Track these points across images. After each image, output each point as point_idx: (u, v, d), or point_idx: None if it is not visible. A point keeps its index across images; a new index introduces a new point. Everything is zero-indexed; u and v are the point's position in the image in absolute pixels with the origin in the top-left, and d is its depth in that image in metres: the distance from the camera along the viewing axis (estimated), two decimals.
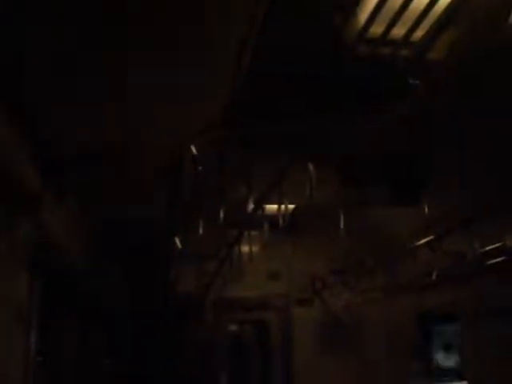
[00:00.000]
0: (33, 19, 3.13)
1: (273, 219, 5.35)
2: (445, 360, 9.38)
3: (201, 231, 6.09)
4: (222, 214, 5.58)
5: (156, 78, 3.85)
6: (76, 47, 3.39)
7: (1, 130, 3.80)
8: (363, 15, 3.45)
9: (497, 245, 6.38)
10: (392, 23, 3.43)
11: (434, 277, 6.99)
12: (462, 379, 8.57)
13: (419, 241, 6.93)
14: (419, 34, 3.60)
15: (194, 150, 4.76)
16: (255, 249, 6.96)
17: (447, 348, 9.30)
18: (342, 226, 5.75)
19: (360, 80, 4.06)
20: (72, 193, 5.85)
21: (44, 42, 3.33)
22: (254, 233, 6.43)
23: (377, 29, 3.55)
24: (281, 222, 5.09)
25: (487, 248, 6.41)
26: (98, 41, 3.36)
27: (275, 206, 5.12)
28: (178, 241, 6.99)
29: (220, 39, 3.46)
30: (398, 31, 3.58)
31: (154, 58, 3.62)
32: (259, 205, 5.36)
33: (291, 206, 6.85)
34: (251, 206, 5.47)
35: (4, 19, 3.06)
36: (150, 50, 3.52)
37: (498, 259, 6.51)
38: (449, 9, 3.31)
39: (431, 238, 6.67)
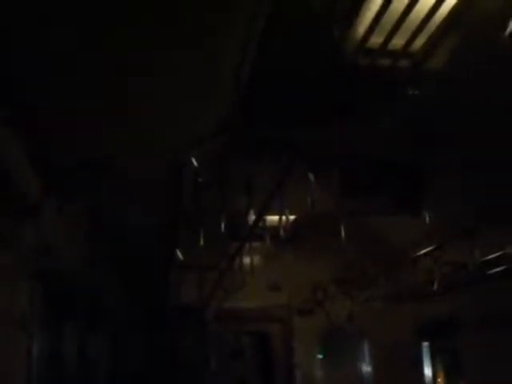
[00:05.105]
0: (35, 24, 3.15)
1: (274, 230, 5.34)
2: (448, 369, 9.34)
3: (202, 242, 6.09)
4: (223, 226, 5.58)
5: (156, 84, 3.86)
6: (75, 49, 3.39)
7: (2, 142, 3.81)
8: (362, 26, 3.47)
9: (497, 254, 6.36)
10: (391, 34, 3.46)
11: (435, 286, 6.96)
12: None
13: (421, 250, 6.92)
14: (418, 43, 3.62)
15: (194, 161, 4.76)
16: (256, 260, 6.95)
17: (448, 356, 9.26)
18: (343, 236, 5.73)
19: (361, 88, 4.08)
20: (72, 202, 5.84)
21: (44, 45, 3.34)
22: (255, 244, 6.42)
23: (376, 39, 3.57)
24: (282, 233, 5.08)
25: (488, 257, 6.40)
26: (98, 42, 3.36)
27: (276, 217, 5.11)
28: (179, 252, 6.99)
29: (221, 47, 3.48)
30: (397, 41, 3.60)
31: (154, 63, 3.62)
32: (260, 216, 5.36)
33: (292, 217, 6.86)
34: (252, 218, 5.46)
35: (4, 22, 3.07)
36: (150, 53, 3.52)
37: (498, 268, 6.49)
38: (447, 19, 3.34)
39: (433, 247, 6.66)
